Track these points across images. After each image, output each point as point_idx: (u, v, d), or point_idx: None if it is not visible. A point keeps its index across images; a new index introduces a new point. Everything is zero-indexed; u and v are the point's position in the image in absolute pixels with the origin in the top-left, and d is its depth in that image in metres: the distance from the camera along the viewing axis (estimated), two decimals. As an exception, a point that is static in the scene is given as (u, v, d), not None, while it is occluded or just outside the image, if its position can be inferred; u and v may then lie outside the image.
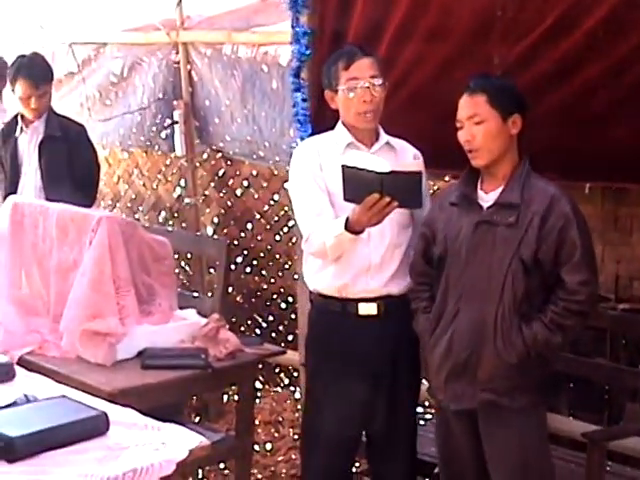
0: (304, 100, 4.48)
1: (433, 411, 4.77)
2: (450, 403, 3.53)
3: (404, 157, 3.78)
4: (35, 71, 5.37)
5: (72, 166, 5.26)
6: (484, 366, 3.41)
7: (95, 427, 2.77)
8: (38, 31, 6.81)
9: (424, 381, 3.92)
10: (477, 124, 3.42)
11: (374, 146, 3.76)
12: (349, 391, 3.76)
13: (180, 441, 2.73)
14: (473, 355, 3.42)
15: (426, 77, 4.25)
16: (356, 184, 3.37)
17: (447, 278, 3.52)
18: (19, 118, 5.40)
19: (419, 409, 4.26)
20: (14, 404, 2.93)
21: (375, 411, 3.81)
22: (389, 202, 3.35)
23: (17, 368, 3.42)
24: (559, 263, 3.36)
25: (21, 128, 5.39)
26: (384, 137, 3.79)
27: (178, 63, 6.05)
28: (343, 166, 3.37)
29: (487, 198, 3.49)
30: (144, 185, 6.75)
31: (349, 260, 3.69)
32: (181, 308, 4.51)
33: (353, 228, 3.50)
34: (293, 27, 4.50)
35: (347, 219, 3.49)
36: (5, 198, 5.06)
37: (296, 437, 5.38)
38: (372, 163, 3.34)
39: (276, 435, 5.55)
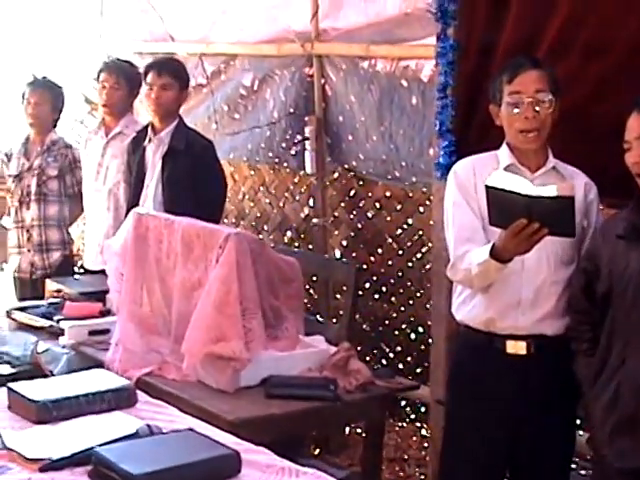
0: (449, 117, 4.18)
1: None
2: (614, 460, 3.15)
3: None
4: (162, 62, 5.31)
5: (195, 183, 5.02)
6: (656, 421, 3.03)
7: (226, 468, 2.48)
8: (169, 42, 6.70)
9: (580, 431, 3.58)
10: None
11: (539, 170, 3.43)
12: (490, 436, 3.46)
13: (321, 490, 2.44)
14: None
15: (582, 97, 3.87)
16: (502, 207, 3.08)
17: (613, 320, 3.17)
18: (149, 127, 5.23)
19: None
20: (136, 435, 2.68)
21: (518, 461, 3.50)
22: (538, 228, 3.03)
23: (138, 393, 3.19)
24: None
25: (149, 138, 5.21)
26: (551, 161, 3.46)
27: (312, 77, 5.83)
28: (487, 187, 3.07)
29: None
30: (270, 203, 6.53)
31: (498, 292, 3.39)
32: (305, 334, 4.28)
33: (499, 256, 3.19)
34: (439, 40, 4.22)
35: (493, 246, 3.19)
36: (129, 208, 4.91)
37: (422, 478, 5.07)
38: (519, 185, 3.02)
39: (401, 474, 5.24)
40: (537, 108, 3.36)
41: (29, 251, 5.79)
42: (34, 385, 3.14)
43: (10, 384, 3.12)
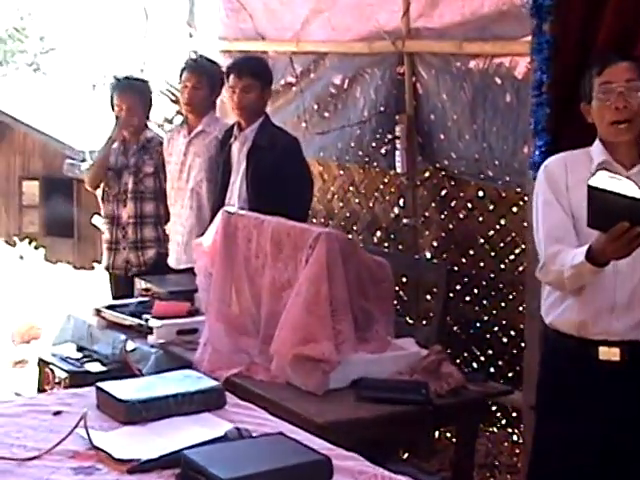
0: (545, 114, 4.06)
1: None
2: None
3: None
4: (244, 63, 5.27)
5: (279, 180, 4.97)
6: None
7: (317, 474, 2.41)
8: (259, 42, 6.68)
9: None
10: None
11: (634, 167, 3.31)
12: (580, 448, 3.34)
13: (416, 499, 2.36)
14: None
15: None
16: (603, 209, 2.97)
17: None
18: (236, 125, 5.22)
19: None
20: (225, 438, 2.63)
21: (609, 472, 3.35)
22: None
23: (227, 394, 3.14)
24: None
25: (234, 135, 5.19)
26: None
27: (403, 75, 5.72)
28: (589, 187, 2.96)
29: None
30: (359, 203, 6.44)
31: (592, 295, 3.28)
32: (395, 336, 4.22)
33: (596, 259, 3.09)
34: (535, 35, 4.11)
35: (589, 248, 3.08)
36: (215, 207, 4.90)
37: (514, 485, 4.96)
38: (625, 187, 2.91)
39: (492, 481, 5.13)
40: (628, 98, 3.27)
41: (124, 248, 5.80)
42: (123, 385, 3.10)
43: (99, 383, 3.09)
